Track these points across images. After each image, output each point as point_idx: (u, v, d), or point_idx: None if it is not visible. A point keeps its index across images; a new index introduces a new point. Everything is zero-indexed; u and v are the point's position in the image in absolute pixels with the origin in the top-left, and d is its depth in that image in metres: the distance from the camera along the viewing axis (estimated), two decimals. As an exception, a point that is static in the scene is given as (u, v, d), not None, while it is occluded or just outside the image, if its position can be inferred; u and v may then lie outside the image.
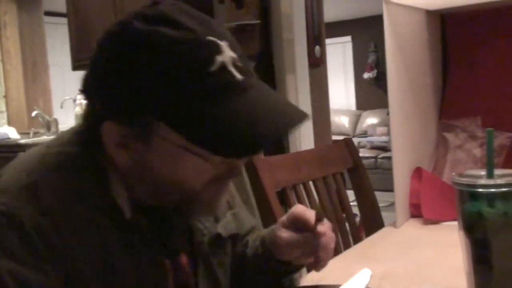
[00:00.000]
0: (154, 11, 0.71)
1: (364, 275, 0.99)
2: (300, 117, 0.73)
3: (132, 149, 0.73)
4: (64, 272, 0.69)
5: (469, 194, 0.80)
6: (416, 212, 1.39)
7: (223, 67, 0.69)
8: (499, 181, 0.79)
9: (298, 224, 0.88)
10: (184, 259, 0.87)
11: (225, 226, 0.93)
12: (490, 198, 0.79)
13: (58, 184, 0.72)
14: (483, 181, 0.80)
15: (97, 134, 0.74)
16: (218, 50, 0.69)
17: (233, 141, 0.68)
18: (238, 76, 0.70)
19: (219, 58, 0.68)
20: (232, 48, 0.71)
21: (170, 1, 0.73)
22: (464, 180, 0.81)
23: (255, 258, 0.96)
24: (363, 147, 7.11)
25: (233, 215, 0.97)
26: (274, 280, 0.97)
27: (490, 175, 0.81)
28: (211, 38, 0.69)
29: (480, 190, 0.79)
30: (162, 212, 0.83)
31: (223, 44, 0.70)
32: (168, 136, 0.70)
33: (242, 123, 0.69)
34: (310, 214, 0.87)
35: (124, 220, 0.76)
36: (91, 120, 0.76)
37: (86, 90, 0.75)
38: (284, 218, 0.91)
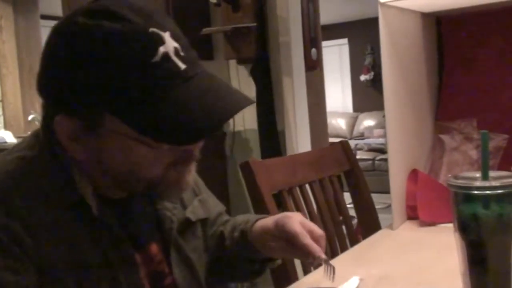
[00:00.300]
0: (97, 6, 0.73)
1: (352, 283, 0.99)
2: (241, 103, 0.75)
3: (84, 142, 0.75)
4: (37, 270, 0.72)
5: (464, 196, 0.81)
6: (412, 214, 1.40)
7: (166, 57, 0.71)
8: (494, 183, 0.79)
9: (288, 238, 0.88)
10: (154, 248, 0.89)
11: (193, 211, 0.96)
12: (485, 200, 0.79)
13: (22, 188, 0.74)
14: (478, 183, 0.80)
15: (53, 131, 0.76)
16: (160, 41, 0.71)
17: (175, 129, 0.70)
18: (181, 65, 0.72)
19: (162, 49, 0.70)
20: (175, 38, 0.73)
21: None
22: (459, 182, 0.81)
23: (234, 249, 0.99)
24: (360, 149, 7.11)
25: (200, 201, 1.00)
26: (252, 265, 1.00)
27: (485, 177, 0.81)
28: (153, 29, 0.71)
29: (475, 192, 0.79)
30: (128, 205, 0.85)
31: (166, 35, 0.72)
32: (116, 127, 0.72)
33: (184, 111, 0.70)
34: (299, 230, 0.87)
35: (92, 216, 0.78)
36: (45, 117, 0.78)
37: (39, 87, 0.77)
38: (271, 224, 0.92)
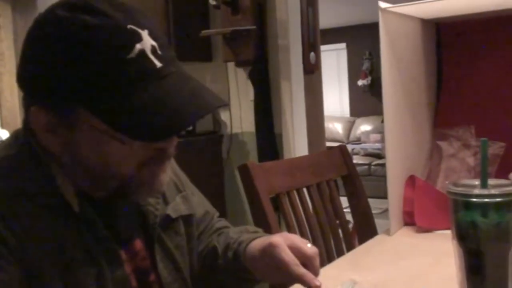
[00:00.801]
0: (78, 0, 0.73)
1: (347, 286, 0.98)
2: (214, 103, 0.76)
3: (59, 135, 0.75)
4: (24, 270, 0.72)
5: (463, 204, 0.81)
6: (409, 220, 1.40)
7: (142, 54, 0.71)
8: (493, 191, 0.79)
9: (279, 268, 0.86)
10: (138, 244, 0.89)
11: (174, 207, 0.95)
12: (484, 208, 0.79)
13: (3, 189, 0.74)
14: (477, 191, 0.80)
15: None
16: (138, 38, 0.71)
17: (145, 126, 0.70)
18: (157, 63, 0.72)
19: (138, 46, 0.71)
20: (153, 36, 0.73)
21: None
22: (458, 190, 0.81)
23: (228, 268, 0.98)
24: (357, 154, 7.12)
25: (183, 197, 0.99)
26: (246, 283, 1.00)
27: (484, 185, 0.81)
28: (131, 26, 0.71)
29: (474, 199, 0.79)
30: (109, 202, 0.85)
31: (144, 33, 0.72)
32: (89, 122, 0.72)
33: (156, 108, 0.70)
34: (289, 260, 0.84)
35: (74, 214, 0.78)
36: (25, 110, 0.78)
37: (18, 78, 0.77)
38: (259, 257, 0.90)
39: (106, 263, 0.80)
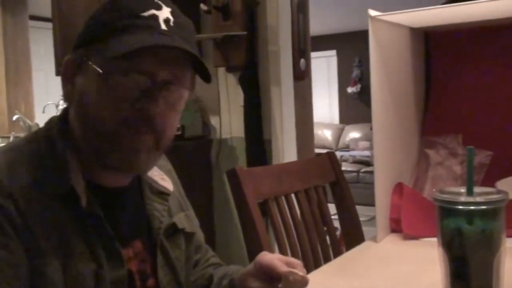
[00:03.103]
0: None
1: None
2: (187, 48, 0.82)
3: (76, 84, 0.85)
4: (26, 249, 0.76)
5: (449, 211, 0.81)
6: (396, 227, 1.40)
7: (154, 17, 0.82)
8: (479, 199, 0.80)
9: (266, 273, 0.89)
10: (138, 246, 0.91)
11: (179, 220, 1.00)
12: (469, 215, 0.80)
13: (16, 174, 0.79)
14: (463, 198, 0.81)
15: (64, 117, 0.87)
16: (157, 7, 0.83)
17: (119, 44, 0.79)
18: (164, 27, 0.82)
19: (155, 11, 0.82)
20: (174, 15, 0.84)
21: None
22: (445, 197, 0.82)
23: None
24: (345, 161, 7.14)
25: (186, 215, 1.04)
26: None
27: (470, 192, 0.82)
28: (158, 1, 0.84)
29: (460, 207, 0.80)
30: (118, 199, 0.89)
31: (166, 8, 0.84)
32: (96, 64, 0.81)
33: (135, 38, 0.80)
34: (277, 262, 0.88)
35: (80, 208, 0.81)
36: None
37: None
38: (251, 267, 0.93)
39: (106, 260, 0.83)
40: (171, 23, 0.83)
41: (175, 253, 0.97)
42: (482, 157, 1.49)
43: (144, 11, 0.82)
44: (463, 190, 0.84)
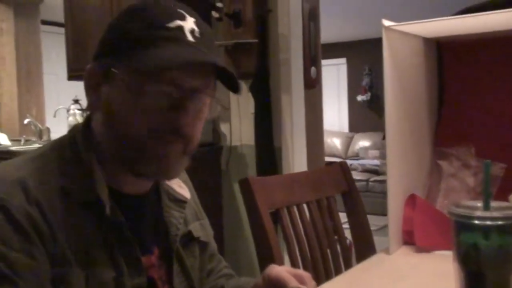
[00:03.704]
0: None
1: None
2: (218, 62, 0.84)
3: (101, 92, 0.85)
4: (50, 257, 0.76)
5: (465, 226, 0.80)
6: (409, 239, 1.39)
7: (180, 28, 0.83)
8: (496, 214, 0.79)
9: (276, 286, 0.89)
10: (156, 253, 0.92)
11: (194, 228, 1.01)
12: (486, 231, 0.79)
13: (41, 181, 0.80)
14: (479, 213, 0.80)
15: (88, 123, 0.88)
16: (181, 18, 0.84)
17: (150, 59, 0.79)
18: (191, 39, 0.83)
19: (180, 22, 0.83)
20: (197, 24, 0.85)
21: None
22: (460, 211, 0.81)
23: None
24: (355, 169, 7.12)
25: (201, 224, 1.05)
26: None
27: (486, 207, 0.81)
28: (180, 10, 0.85)
29: (476, 222, 0.79)
30: (139, 207, 0.90)
31: (189, 18, 0.85)
32: (123, 74, 0.82)
33: (166, 52, 0.80)
34: (285, 275, 0.88)
35: (104, 216, 0.82)
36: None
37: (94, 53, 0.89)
38: (261, 280, 0.93)
39: (127, 268, 0.84)
40: (196, 34, 0.84)
41: (190, 261, 0.98)
42: (496, 169, 1.48)
43: (170, 22, 0.82)
44: (479, 204, 0.82)
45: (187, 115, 0.83)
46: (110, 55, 0.84)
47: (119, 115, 0.83)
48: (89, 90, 0.86)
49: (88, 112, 0.91)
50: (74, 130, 0.90)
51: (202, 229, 1.04)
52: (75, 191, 0.82)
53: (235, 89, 0.88)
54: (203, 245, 1.03)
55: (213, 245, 1.09)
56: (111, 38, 0.85)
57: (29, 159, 0.85)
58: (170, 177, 0.92)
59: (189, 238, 0.98)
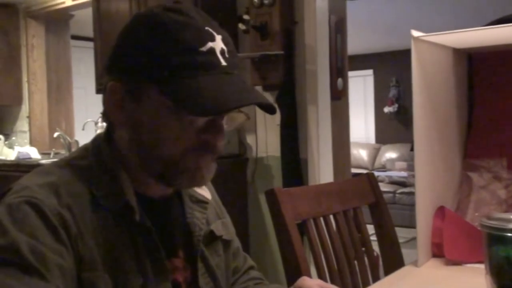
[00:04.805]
0: (172, 5, 0.86)
1: None
2: (266, 100, 0.85)
3: (126, 110, 0.85)
4: (78, 259, 0.78)
5: (498, 238, 0.79)
6: (438, 251, 1.37)
7: (212, 51, 0.82)
8: (529, 226, 0.77)
9: None
10: (181, 255, 0.93)
11: (216, 227, 1.02)
12: (520, 243, 0.77)
13: (72, 188, 0.83)
14: (512, 225, 0.78)
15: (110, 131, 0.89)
16: (211, 38, 0.83)
17: (201, 102, 0.79)
18: (223, 62, 0.83)
19: (211, 44, 0.82)
20: (225, 42, 0.85)
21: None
22: (493, 223, 0.80)
23: None
24: (382, 181, 7.04)
25: (223, 223, 1.06)
26: None
27: (520, 219, 0.79)
28: (208, 28, 0.83)
29: (509, 234, 0.78)
30: (164, 210, 0.92)
31: (218, 36, 0.84)
32: (155, 97, 0.82)
33: (213, 92, 0.79)
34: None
35: (133, 222, 0.84)
36: (103, 92, 0.88)
37: (106, 63, 0.89)
38: None
39: (153, 274, 0.85)
40: (227, 54, 0.84)
41: (215, 260, 0.99)
42: (528, 181, 1.45)
43: (202, 45, 0.81)
44: (512, 216, 0.81)
45: (222, 134, 0.85)
46: (136, 74, 0.83)
47: (151, 136, 0.84)
48: (111, 106, 0.86)
49: (106, 122, 0.92)
50: (98, 141, 0.91)
51: (224, 227, 1.05)
52: (103, 198, 0.84)
53: (270, 112, 0.89)
54: (226, 244, 1.04)
55: (237, 243, 1.10)
56: (134, 56, 0.83)
57: (56, 167, 0.87)
58: (202, 185, 0.95)
59: (212, 237, 0.99)
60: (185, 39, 0.81)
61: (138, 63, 0.83)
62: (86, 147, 0.92)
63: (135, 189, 0.87)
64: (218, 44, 0.83)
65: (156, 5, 0.88)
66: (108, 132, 0.91)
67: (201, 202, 1.00)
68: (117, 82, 0.85)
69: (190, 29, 0.82)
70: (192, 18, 0.83)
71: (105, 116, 0.89)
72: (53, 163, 0.90)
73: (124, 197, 0.84)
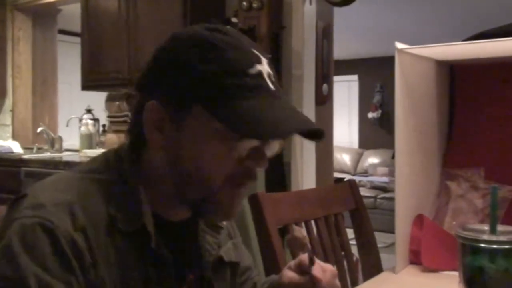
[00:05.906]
0: (213, 25, 0.84)
1: None
2: (312, 125, 0.84)
3: (166, 131, 0.81)
4: (88, 286, 0.75)
5: (472, 249, 0.82)
6: (415, 259, 1.40)
7: (260, 74, 0.79)
8: (502, 238, 0.80)
9: (302, 268, 0.91)
10: (190, 281, 0.90)
11: (226, 251, 0.97)
12: (492, 254, 0.80)
13: (89, 206, 0.79)
14: (486, 237, 0.81)
15: (138, 145, 0.85)
16: (258, 60, 0.80)
17: (253, 123, 0.76)
18: (271, 86, 0.80)
19: (258, 66, 0.79)
20: (270, 66, 0.82)
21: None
22: (468, 234, 0.83)
23: None
24: (363, 186, 7.11)
25: (234, 244, 1.02)
26: None
27: (493, 231, 0.82)
28: (254, 50, 0.81)
29: (482, 245, 0.81)
30: (179, 235, 0.88)
31: (264, 59, 0.81)
32: (201, 118, 0.78)
33: (265, 116, 0.76)
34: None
35: (147, 245, 0.81)
36: (136, 110, 0.85)
37: (141, 83, 0.85)
38: (292, 262, 0.94)
39: None
40: (273, 78, 0.81)
41: (221, 286, 0.95)
42: (505, 191, 1.49)
43: (250, 67, 0.78)
44: (486, 227, 0.84)
45: (266, 161, 0.83)
46: (181, 93, 0.79)
47: (192, 160, 0.80)
48: (150, 126, 0.82)
49: (131, 136, 0.87)
50: (120, 155, 0.87)
51: (234, 248, 1.01)
52: (121, 219, 0.80)
53: (319, 138, 0.87)
54: (235, 266, 1.00)
55: (247, 261, 1.06)
56: (178, 75, 0.79)
57: (75, 180, 0.83)
58: (228, 221, 0.95)
59: (220, 263, 0.96)
60: (235, 59, 0.78)
61: (183, 82, 0.79)
62: (107, 158, 0.87)
63: (154, 209, 0.83)
64: (264, 67, 0.80)
65: (197, 25, 0.84)
66: (135, 149, 0.86)
67: (216, 226, 0.96)
68: (158, 102, 0.80)
69: (239, 50, 0.79)
70: (239, 39, 0.81)
71: (134, 134, 0.85)
72: (73, 173, 0.86)
73: (141, 219, 0.81)
